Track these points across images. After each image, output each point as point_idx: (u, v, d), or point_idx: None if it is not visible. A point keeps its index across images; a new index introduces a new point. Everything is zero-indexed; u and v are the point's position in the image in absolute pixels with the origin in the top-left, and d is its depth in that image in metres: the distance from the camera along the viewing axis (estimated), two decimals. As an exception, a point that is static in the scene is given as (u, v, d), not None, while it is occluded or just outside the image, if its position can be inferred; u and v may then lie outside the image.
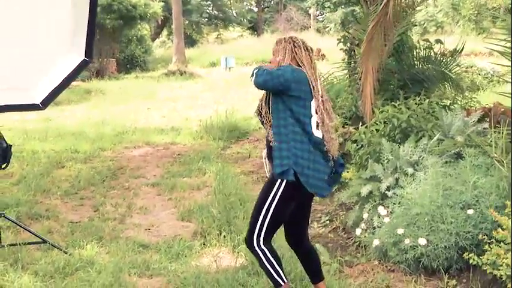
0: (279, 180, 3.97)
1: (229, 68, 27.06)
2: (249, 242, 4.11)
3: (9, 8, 5.32)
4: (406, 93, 7.49)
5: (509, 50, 5.66)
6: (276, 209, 4.01)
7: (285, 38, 4.24)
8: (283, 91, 3.94)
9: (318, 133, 4.01)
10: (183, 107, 16.78)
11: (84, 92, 20.45)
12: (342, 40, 8.97)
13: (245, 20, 49.18)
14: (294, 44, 4.17)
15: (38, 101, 5.38)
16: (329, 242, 6.01)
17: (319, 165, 4.01)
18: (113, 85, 22.38)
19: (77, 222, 6.75)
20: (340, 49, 9.12)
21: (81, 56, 5.48)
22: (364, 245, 5.55)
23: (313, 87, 4.02)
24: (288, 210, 4.10)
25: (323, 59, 23.25)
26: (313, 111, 4.01)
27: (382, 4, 6.79)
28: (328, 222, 6.58)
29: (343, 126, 8.00)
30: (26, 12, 5.34)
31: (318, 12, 47.86)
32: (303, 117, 3.95)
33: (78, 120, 14.66)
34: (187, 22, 42.57)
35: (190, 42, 41.48)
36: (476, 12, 30.22)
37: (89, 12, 5.40)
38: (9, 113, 9.62)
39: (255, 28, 49.14)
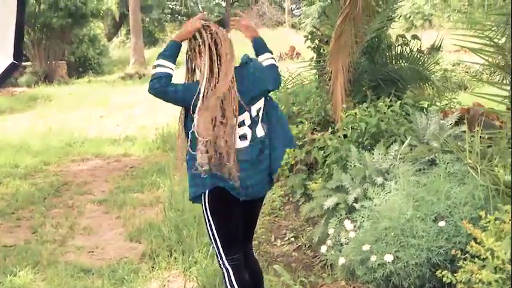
0: (202, 200, 4.07)
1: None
2: (217, 259, 4.21)
3: None
4: (378, 95, 7.54)
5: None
6: (216, 224, 4.07)
7: None
8: None
9: None
10: (140, 114, 16.75)
11: (29, 99, 20.33)
12: (310, 37, 9.01)
13: (212, 16, 49.21)
14: None
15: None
16: (293, 262, 6.03)
17: None
18: (62, 91, 22.27)
19: (11, 246, 6.71)
20: (308, 47, 9.16)
21: (9, 59, 5.43)
22: (331, 264, 5.57)
23: None
24: (231, 218, 4.12)
25: (298, 57, 23.37)
26: None
27: (351, -3, 6.85)
28: (293, 239, 6.60)
29: (311, 133, 8.03)
30: None
31: (294, 6, 48.10)
32: None
33: (21, 131, 14.57)
34: (148, 19, 42.55)
35: (152, 41, 41.42)
36: (467, 3, 30.47)
37: (17, 9, 5.36)
38: None
39: (223, 24, 49.16)
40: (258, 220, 6.77)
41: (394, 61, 8.31)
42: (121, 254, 6.35)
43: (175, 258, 5.84)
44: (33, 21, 25.45)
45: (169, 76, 3.87)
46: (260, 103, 4.11)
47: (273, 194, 7.89)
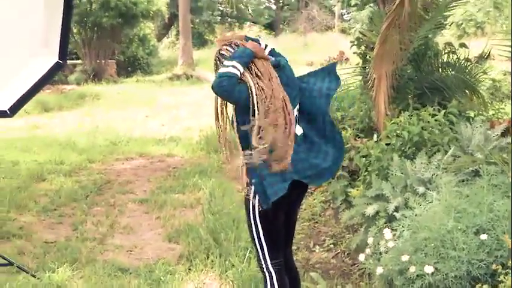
0: (251, 198, 4.04)
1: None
2: (257, 262, 4.24)
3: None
4: (423, 103, 7.44)
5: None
6: (264, 228, 4.06)
7: None
8: None
9: None
10: (186, 115, 16.81)
11: (77, 97, 20.56)
12: (356, 43, 8.93)
13: (262, 19, 49.28)
14: None
15: (5, 107, 5.40)
16: (331, 269, 5.98)
17: None
18: (110, 89, 22.49)
19: (52, 243, 6.78)
20: (354, 53, 9.09)
21: (54, 58, 5.49)
22: (369, 273, 5.51)
23: None
24: (277, 221, 4.14)
25: (346, 62, 23.25)
26: None
27: (397, 3, 6.76)
28: (332, 246, 6.55)
29: (354, 139, 7.96)
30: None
31: (344, 10, 47.85)
32: None
33: (68, 129, 14.76)
34: (198, 21, 42.79)
35: (202, 42, 41.62)
36: (522, 10, 30.02)
37: (63, 10, 5.43)
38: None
39: (272, 27, 49.22)
40: (298, 225, 6.80)
41: (440, 69, 8.18)
42: (159, 255, 6.36)
43: (212, 261, 5.83)
44: (84, 20, 25.77)
45: (238, 79, 3.84)
46: (297, 103, 4.09)
47: (314, 199, 7.86)
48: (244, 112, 3.88)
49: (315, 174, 4.17)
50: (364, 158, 6.81)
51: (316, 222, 7.26)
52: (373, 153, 6.46)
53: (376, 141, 6.83)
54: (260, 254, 4.14)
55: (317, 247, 6.52)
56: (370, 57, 8.59)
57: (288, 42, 35.50)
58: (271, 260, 4.12)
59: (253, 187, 4.00)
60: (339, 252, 6.37)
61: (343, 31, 42.16)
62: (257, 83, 3.85)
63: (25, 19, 5.48)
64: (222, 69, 3.86)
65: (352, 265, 6.00)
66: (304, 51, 31.78)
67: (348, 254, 6.26)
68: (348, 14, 48.86)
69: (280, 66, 4.09)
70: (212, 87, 3.85)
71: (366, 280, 5.48)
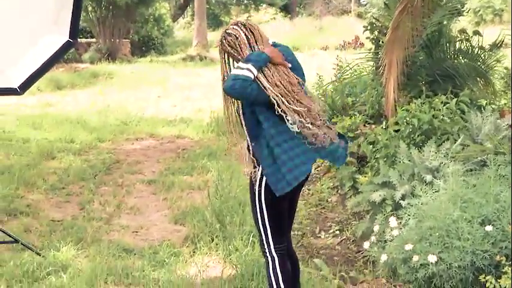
0: (257, 184, 4.03)
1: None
2: (260, 246, 4.25)
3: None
4: (434, 91, 7.39)
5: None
6: (269, 213, 4.07)
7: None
8: None
9: None
10: (198, 96, 16.76)
11: (90, 76, 20.58)
12: (369, 28, 8.86)
13: (278, 1, 49.02)
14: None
15: (15, 85, 5.40)
16: (336, 255, 5.97)
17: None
18: (124, 69, 22.48)
19: (58, 221, 6.81)
20: (367, 38, 9.03)
21: (64, 37, 5.48)
22: (373, 261, 5.49)
23: None
24: (282, 206, 4.16)
25: (361, 47, 23.14)
26: None
27: (410, -12, 6.71)
28: (338, 232, 6.53)
29: (364, 125, 7.93)
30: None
31: (360, -5, 47.52)
32: None
33: (80, 107, 14.78)
34: (213, 1, 42.63)
35: (217, 23, 41.50)
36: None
37: (75, -11, 5.41)
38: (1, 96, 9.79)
39: (288, 10, 48.99)
40: (304, 211, 6.80)
41: (453, 57, 8.11)
42: (164, 236, 6.37)
43: (217, 244, 5.83)
44: (100, -1, 25.76)
45: (251, 82, 3.82)
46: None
47: (322, 185, 7.84)
48: (254, 104, 3.91)
49: (333, 153, 4.17)
50: (371, 145, 6.78)
51: (323, 208, 7.24)
52: (381, 139, 6.43)
53: (384, 128, 6.80)
54: (264, 238, 4.14)
55: (322, 233, 6.51)
56: (382, 42, 8.53)
57: (304, 25, 35.37)
58: (274, 244, 4.12)
59: (259, 173, 4.00)
60: (344, 239, 6.35)
61: (359, 15, 41.91)
62: (271, 83, 3.87)
63: (36, -2, 5.47)
64: (236, 71, 3.85)
65: (357, 252, 5.99)
66: (319, 34, 31.61)
67: (353, 240, 6.24)
68: (365, -1, 48.60)
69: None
70: (224, 89, 3.86)
71: (370, 267, 5.46)
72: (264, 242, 4.14)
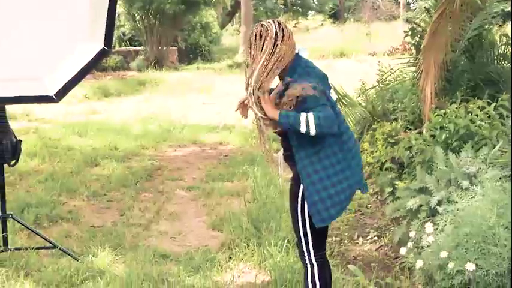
0: (300, 197, 4.06)
1: (303, 61, 26.88)
2: (300, 253, 4.24)
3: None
4: (476, 96, 7.30)
5: None
6: (311, 223, 4.08)
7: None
8: None
9: None
10: (242, 103, 16.77)
11: (137, 84, 20.83)
12: (410, 33, 8.80)
13: (326, 8, 48.96)
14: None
15: (51, 92, 5.47)
16: (373, 261, 5.93)
17: None
18: (170, 76, 22.68)
19: (98, 227, 6.90)
20: (408, 43, 8.98)
21: (99, 44, 5.55)
22: (410, 267, 5.44)
23: None
24: None
25: (409, 53, 22.93)
26: None
27: (448, -7, 6.66)
28: (376, 238, 6.49)
29: (404, 131, 7.87)
30: (40, -1, 5.49)
31: (410, 0, 47.15)
32: None
33: (125, 114, 14.94)
34: (262, 8, 42.74)
35: (264, 30, 41.51)
36: None
37: (109, -2, 5.48)
38: (34, 104, 9.95)
39: (336, 16, 48.90)
40: (343, 217, 6.78)
41: (496, 61, 8.01)
42: (201, 242, 6.42)
43: (252, 250, 5.85)
44: (147, 7, 26.00)
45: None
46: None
47: (362, 191, 7.79)
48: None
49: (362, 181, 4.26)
50: (408, 151, 6.73)
51: (362, 214, 7.21)
52: (415, 144, 6.39)
53: (419, 133, 6.74)
54: (304, 246, 4.13)
55: (360, 239, 6.47)
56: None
57: (351, 31, 35.24)
58: (314, 253, 4.13)
59: (301, 188, 4.02)
60: (382, 245, 6.31)
61: (408, 21, 41.55)
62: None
63: (72, 5, 5.55)
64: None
65: (395, 258, 5.94)
66: (367, 40, 31.46)
67: (391, 247, 6.20)
68: (414, 3, 48.18)
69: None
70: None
71: (406, 274, 5.41)
72: (304, 249, 4.14)
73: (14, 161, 5.84)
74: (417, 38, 8.73)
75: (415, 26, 8.92)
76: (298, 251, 4.26)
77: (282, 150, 4.30)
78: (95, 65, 5.86)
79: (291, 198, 4.16)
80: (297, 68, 4.04)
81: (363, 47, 29.15)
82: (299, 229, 4.12)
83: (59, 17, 5.52)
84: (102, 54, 5.62)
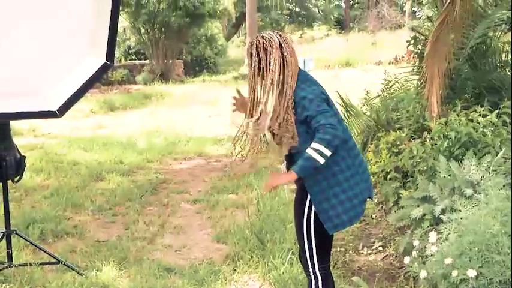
0: (307, 206, 4.05)
1: (308, 71, 26.87)
2: (303, 265, 4.25)
3: (25, 7, 5.50)
4: (480, 103, 7.29)
5: None
6: (316, 236, 4.09)
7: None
8: None
9: None
10: (248, 115, 16.82)
11: (143, 97, 20.90)
12: (412, 42, 8.81)
13: (331, 17, 49.05)
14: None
15: (54, 108, 5.50)
16: (377, 272, 5.93)
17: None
18: (176, 89, 22.75)
19: (103, 241, 6.91)
20: (412, 51, 8.99)
21: (102, 59, 5.58)
22: (414, 277, 5.44)
23: None
24: None
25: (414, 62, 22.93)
26: None
27: (448, 2, 6.66)
28: (381, 248, 6.49)
29: (409, 140, 7.87)
30: (42, 11, 5.51)
31: (416, 8, 47.15)
32: None
33: (131, 128, 14.98)
34: (267, 20, 42.81)
35: (270, 42, 41.57)
36: None
37: (111, 11, 5.51)
38: (38, 120, 9.97)
39: (341, 26, 48.94)
40: (348, 227, 6.78)
41: (499, 69, 8.00)
42: (206, 255, 6.43)
43: (256, 262, 5.85)
44: (152, 21, 26.10)
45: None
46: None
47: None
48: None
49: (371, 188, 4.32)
50: (411, 160, 6.73)
51: (367, 223, 7.20)
52: (417, 153, 6.40)
53: (422, 142, 6.74)
54: (308, 257, 4.14)
55: (365, 249, 6.46)
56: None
57: (357, 40, 35.26)
58: (319, 264, 4.13)
59: (308, 199, 4.03)
60: (387, 255, 6.30)
61: (413, 29, 41.51)
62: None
63: (73, 20, 5.58)
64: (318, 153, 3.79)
65: (400, 268, 5.93)
66: (372, 49, 31.49)
67: (396, 256, 6.19)
68: (419, 12, 48.18)
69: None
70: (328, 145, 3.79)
71: (411, 284, 5.41)
72: (309, 261, 4.14)
73: (18, 177, 5.87)
74: (420, 47, 8.74)
75: (417, 34, 8.92)
76: (302, 262, 4.26)
77: (284, 162, 4.29)
78: (97, 80, 5.89)
79: (296, 209, 4.17)
80: (298, 77, 4.06)
81: (369, 56, 29.18)
82: (304, 241, 4.12)
83: (61, 32, 5.54)
84: (104, 69, 5.64)
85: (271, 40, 3.99)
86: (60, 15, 5.60)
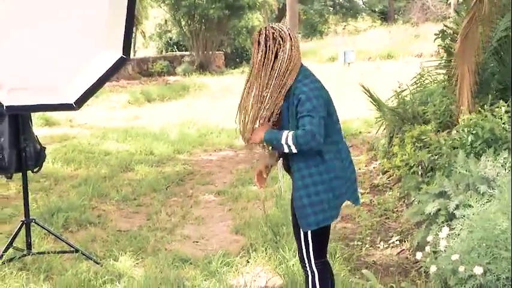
0: None
1: (348, 64, 26.85)
2: (300, 260, 4.25)
3: (43, 3, 5.63)
4: (506, 98, 7.23)
5: None
6: (313, 231, 4.09)
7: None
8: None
9: None
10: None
11: (180, 88, 21.05)
12: (440, 36, 8.73)
13: (375, 9, 48.71)
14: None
15: (71, 100, 5.61)
16: (391, 266, 5.93)
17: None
18: (215, 81, 22.87)
19: (124, 231, 7.02)
20: (439, 45, 8.91)
21: (118, 53, 5.67)
22: (426, 271, 5.44)
23: None
24: (326, 226, 4.15)
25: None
26: None
27: (476, -1, 6.62)
28: (398, 242, 6.48)
29: (435, 134, 7.83)
30: (60, 8, 5.63)
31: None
32: None
33: (166, 119, 15.12)
34: (311, 11, 42.75)
35: (313, 33, 41.54)
36: None
37: (127, 6, 5.59)
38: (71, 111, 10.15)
39: (385, 18, 48.55)
40: (367, 221, 6.79)
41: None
42: (223, 246, 6.48)
43: (270, 255, 5.90)
44: (192, 13, 26.26)
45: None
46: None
47: (389, 194, 7.80)
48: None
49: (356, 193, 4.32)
50: (430, 154, 6.71)
51: (387, 218, 7.19)
52: (436, 148, 6.37)
53: (445, 138, 6.71)
54: (305, 253, 4.15)
55: (382, 243, 6.46)
56: (454, 50, 8.42)
57: (400, 32, 34.96)
58: (315, 259, 4.14)
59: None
60: (403, 250, 6.29)
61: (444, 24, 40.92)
62: None
63: (90, 14, 5.68)
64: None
65: (415, 262, 5.92)
66: (415, 42, 31.19)
67: (411, 251, 6.18)
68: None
69: None
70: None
71: (423, 278, 5.41)
72: (305, 257, 4.16)
73: (38, 168, 6.00)
74: (447, 41, 8.67)
75: (445, 28, 8.84)
76: (299, 257, 4.28)
77: (281, 159, 4.34)
78: (113, 74, 5.98)
79: (293, 206, 4.19)
80: (301, 72, 4.09)
81: (411, 48, 28.94)
82: (300, 236, 4.14)
83: (79, 29, 5.65)
84: (120, 63, 5.73)
85: (282, 31, 4.00)
86: (78, 12, 5.71)
